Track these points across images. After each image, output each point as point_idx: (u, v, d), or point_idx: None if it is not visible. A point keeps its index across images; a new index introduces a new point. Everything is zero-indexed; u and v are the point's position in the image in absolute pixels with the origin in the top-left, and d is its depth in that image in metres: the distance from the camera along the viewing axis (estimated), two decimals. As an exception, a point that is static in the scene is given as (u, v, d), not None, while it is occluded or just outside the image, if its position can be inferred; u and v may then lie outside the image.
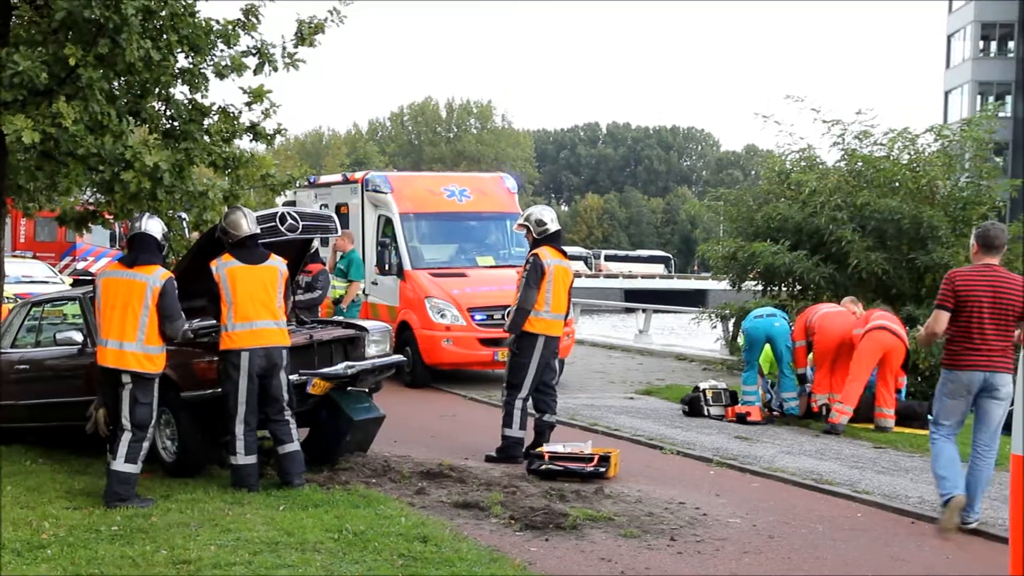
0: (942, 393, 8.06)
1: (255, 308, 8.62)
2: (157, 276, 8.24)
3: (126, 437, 8.15)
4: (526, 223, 10.59)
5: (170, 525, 7.34)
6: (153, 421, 8.34)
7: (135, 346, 8.15)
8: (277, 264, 8.87)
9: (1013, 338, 7.86)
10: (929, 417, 8.53)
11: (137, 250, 8.37)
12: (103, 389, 8.38)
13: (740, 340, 15.70)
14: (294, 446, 8.73)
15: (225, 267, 8.68)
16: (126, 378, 8.17)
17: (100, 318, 8.32)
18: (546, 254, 10.29)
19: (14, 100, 9.23)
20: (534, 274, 10.19)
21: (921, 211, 16.34)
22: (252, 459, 8.60)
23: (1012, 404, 6.64)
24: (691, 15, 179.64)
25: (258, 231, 8.95)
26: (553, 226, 10.48)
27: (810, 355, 13.04)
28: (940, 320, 7.90)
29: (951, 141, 18.14)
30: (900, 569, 7.02)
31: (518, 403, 10.23)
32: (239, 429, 8.56)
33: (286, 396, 8.73)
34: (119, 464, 8.11)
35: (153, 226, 8.47)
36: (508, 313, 10.49)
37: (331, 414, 9.58)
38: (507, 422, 10.24)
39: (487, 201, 17.59)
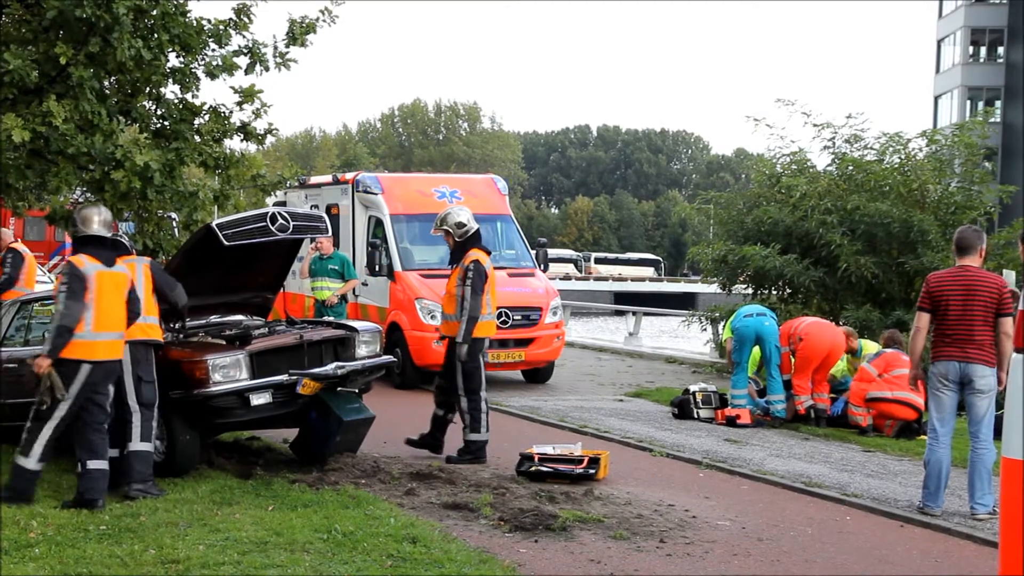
0: (929, 387, 8.57)
1: None
2: (140, 257, 8.77)
3: (136, 419, 8.30)
4: (445, 227, 10.46)
5: (158, 524, 7.32)
6: (157, 401, 8.46)
7: (142, 319, 8.42)
8: None
9: (990, 333, 8.27)
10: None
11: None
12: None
13: (722, 333, 15.56)
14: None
15: None
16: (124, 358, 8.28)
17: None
18: (484, 259, 10.31)
19: (4, 99, 9.24)
20: (479, 281, 10.17)
21: (911, 215, 16.40)
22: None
23: (1000, 408, 6.76)
24: (682, 18, 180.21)
25: None
26: (472, 225, 10.42)
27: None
28: (920, 319, 8.52)
29: (942, 146, 18.22)
30: (888, 572, 7.04)
31: (483, 406, 10.26)
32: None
33: None
34: (136, 444, 8.25)
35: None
36: (447, 320, 10.46)
37: (321, 414, 9.55)
38: (475, 427, 10.23)
39: (478, 203, 17.50)
